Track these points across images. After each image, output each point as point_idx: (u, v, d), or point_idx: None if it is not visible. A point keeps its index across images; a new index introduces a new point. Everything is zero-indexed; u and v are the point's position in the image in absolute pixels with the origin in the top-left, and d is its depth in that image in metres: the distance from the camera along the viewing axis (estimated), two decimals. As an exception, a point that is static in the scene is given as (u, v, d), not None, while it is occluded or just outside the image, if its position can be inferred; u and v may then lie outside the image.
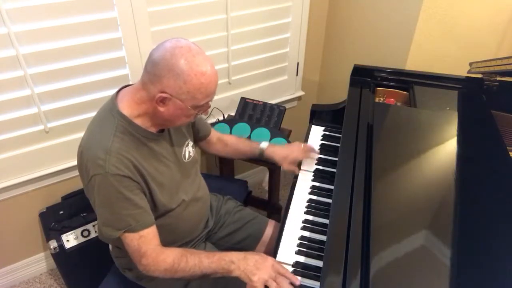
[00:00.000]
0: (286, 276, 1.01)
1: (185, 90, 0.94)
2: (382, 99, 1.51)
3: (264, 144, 1.39)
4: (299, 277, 1.05)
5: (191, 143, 1.24)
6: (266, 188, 2.19)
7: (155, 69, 0.94)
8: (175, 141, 1.15)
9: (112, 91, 1.07)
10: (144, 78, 0.98)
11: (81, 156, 1.01)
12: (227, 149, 1.43)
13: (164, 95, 0.94)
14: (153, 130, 1.05)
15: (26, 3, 1.28)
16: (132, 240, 1.01)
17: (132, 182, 0.99)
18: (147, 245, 1.02)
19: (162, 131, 1.10)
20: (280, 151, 1.38)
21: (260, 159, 1.42)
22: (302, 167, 1.38)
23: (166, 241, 1.17)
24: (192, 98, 0.96)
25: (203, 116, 1.29)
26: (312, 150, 1.41)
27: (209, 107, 1.05)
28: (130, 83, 1.18)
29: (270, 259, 1.04)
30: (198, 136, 1.33)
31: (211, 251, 1.29)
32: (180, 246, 1.25)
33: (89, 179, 0.98)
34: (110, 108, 1.02)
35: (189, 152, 1.21)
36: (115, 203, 0.98)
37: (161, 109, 0.98)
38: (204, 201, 1.29)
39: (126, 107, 1.01)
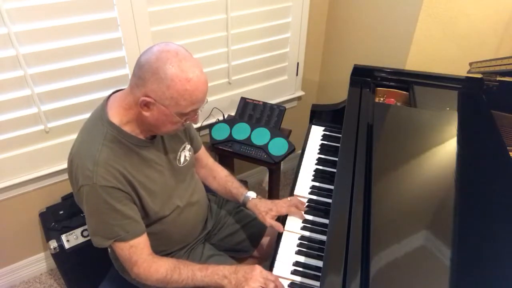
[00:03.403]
0: (275, 283, 1.02)
1: (168, 95, 0.91)
2: (382, 99, 1.51)
3: (251, 194, 1.27)
4: (299, 277, 1.05)
5: (188, 147, 1.22)
6: (266, 188, 2.19)
7: (140, 72, 0.92)
8: (169, 146, 1.13)
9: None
10: (131, 82, 0.97)
11: (71, 163, 1.00)
12: (214, 182, 1.35)
13: (147, 99, 0.92)
14: (142, 136, 1.04)
15: (26, 3, 1.28)
16: (123, 249, 1.01)
17: (121, 192, 0.98)
18: (138, 255, 1.02)
19: (154, 137, 1.08)
20: (263, 204, 1.24)
21: (242, 206, 1.30)
22: (286, 227, 1.19)
23: (161, 248, 1.16)
24: (176, 104, 0.93)
25: (193, 124, 1.20)
26: (297, 204, 1.23)
27: (197, 115, 1.02)
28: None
29: (257, 267, 1.04)
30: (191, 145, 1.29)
31: (209, 252, 1.29)
32: (176, 252, 1.24)
33: (78, 188, 0.98)
34: (100, 115, 1.01)
35: (185, 156, 1.20)
36: (103, 213, 0.98)
37: (146, 113, 0.96)
38: (200, 205, 1.27)
39: (115, 114, 1.00)
